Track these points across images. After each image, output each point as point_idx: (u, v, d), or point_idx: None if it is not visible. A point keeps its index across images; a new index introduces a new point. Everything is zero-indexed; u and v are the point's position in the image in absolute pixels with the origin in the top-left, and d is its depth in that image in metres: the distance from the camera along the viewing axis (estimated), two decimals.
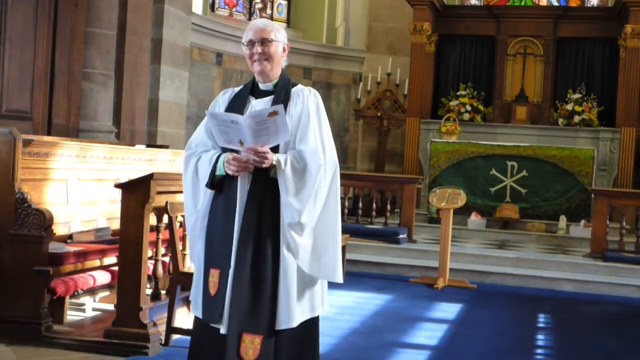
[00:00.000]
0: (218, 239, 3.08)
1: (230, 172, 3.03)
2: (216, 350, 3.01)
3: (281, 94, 3.13)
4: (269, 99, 3.14)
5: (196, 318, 3.15)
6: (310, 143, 3.06)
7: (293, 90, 3.18)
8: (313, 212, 3.04)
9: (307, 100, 3.14)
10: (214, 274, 3.04)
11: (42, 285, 4.48)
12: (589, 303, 7.21)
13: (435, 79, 12.34)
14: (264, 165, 2.97)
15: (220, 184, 3.10)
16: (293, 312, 3.01)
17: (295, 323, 3.03)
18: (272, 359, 3.01)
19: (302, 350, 3.13)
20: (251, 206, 3.02)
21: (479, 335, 5.60)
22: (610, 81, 11.71)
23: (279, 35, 3.17)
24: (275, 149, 3.02)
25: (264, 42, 3.13)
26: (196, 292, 3.13)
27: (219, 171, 3.06)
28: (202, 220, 3.16)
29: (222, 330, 2.98)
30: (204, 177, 3.09)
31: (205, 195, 3.15)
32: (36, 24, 7.25)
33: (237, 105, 3.18)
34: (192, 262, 3.30)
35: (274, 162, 2.99)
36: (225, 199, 3.08)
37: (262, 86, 3.20)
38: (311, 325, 3.14)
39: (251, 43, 3.15)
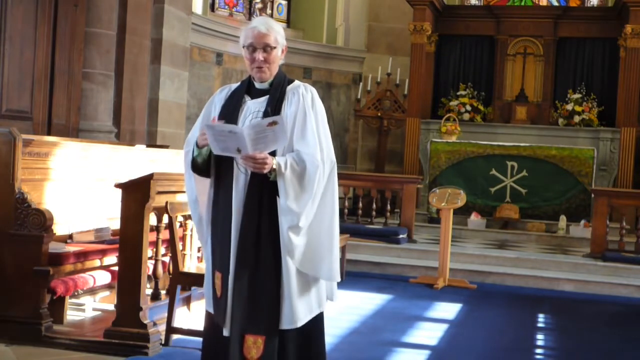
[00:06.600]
0: (217, 243, 3.08)
1: (200, 143, 3.00)
2: (223, 350, 3.03)
3: (276, 93, 3.09)
4: (263, 99, 3.10)
5: (208, 314, 3.16)
6: (309, 143, 3.02)
7: (288, 88, 3.13)
8: (310, 214, 3.01)
9: (302, 98, 3.09)
10: (218, 276, 3.06)
11: (42, 285, 4.48)
12: (589, 303, 7.21)
13: (435, 79, 12.34)
14: (264, 171, 2.92)
15: (207, 167, 3.08)
16: (297, 312, 3.01)
17: (300, 323, 3.03)
18: (276, 358, 3.01)
19: (310, 347, 3.12)
20: (249, 209, 3.00)
21: (479, 335, 5.59)
22: (610, 81, 11.70)
23: (279, 38, 3.10)
24: (272, 152, 2.96)
25: (266, 48, 3.06)
26: (207, 292, 3.16)
27: (196, 151, 3.05)
28: (207, 225, 3.16)
29: (225, 333, 3.00)
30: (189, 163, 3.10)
31: (206, 194, 3.15)
32: (36, 24, 7.24)
33: (232, 105, 3.14)
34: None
35: (274, 166, 2.94)
36: (222, 201, 3.07)
37: (257, 85, 3.16)
38: (317, 321, 3.13)
39: (252, 47, 3.07)
